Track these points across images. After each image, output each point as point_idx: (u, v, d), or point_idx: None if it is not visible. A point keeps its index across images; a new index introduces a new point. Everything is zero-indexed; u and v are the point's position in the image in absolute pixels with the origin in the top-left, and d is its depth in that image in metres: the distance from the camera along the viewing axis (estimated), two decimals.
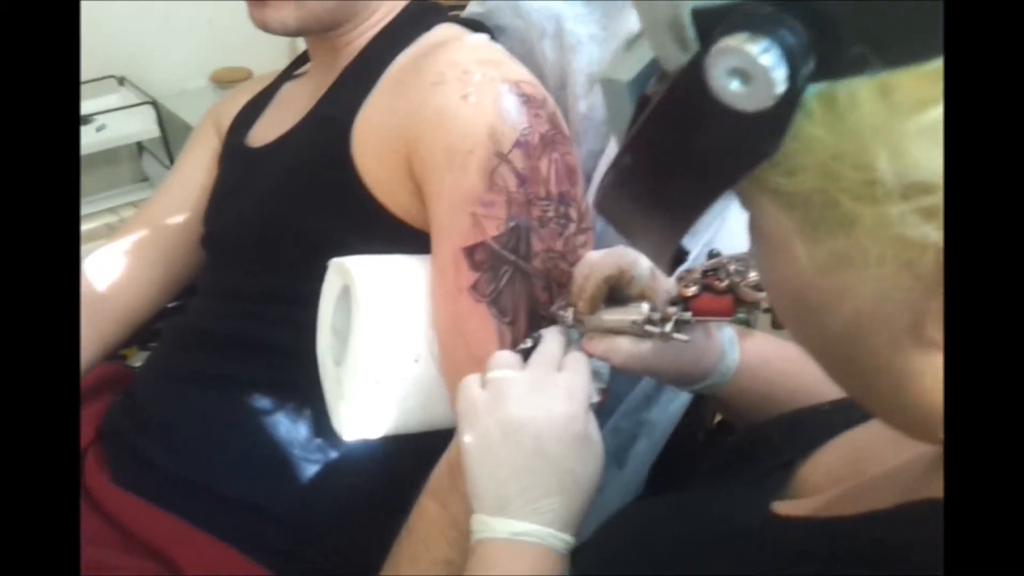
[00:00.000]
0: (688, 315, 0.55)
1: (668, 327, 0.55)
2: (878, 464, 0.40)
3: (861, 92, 0.24)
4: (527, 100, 0.67)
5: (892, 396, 0.30)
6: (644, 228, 0.33)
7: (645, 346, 0.56)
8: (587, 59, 0.81)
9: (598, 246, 0.78)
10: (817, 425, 0.50)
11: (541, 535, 0.49)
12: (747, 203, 0.31)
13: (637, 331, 0.56)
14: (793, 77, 0.24)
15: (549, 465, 0.50)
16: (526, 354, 0.58)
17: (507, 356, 0.57)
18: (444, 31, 0.78)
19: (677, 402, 0.79)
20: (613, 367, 0.59)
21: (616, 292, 0.58)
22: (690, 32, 0.26)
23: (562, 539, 0.50)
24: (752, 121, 0.25)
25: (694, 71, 0.25)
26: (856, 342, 0.30)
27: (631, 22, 0.77)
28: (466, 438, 0.52)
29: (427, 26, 0.78)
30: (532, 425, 0.51)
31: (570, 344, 0.59)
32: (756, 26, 0.24)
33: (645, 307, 0.56)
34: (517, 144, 0.65)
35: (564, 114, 0.81)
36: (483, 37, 0.76)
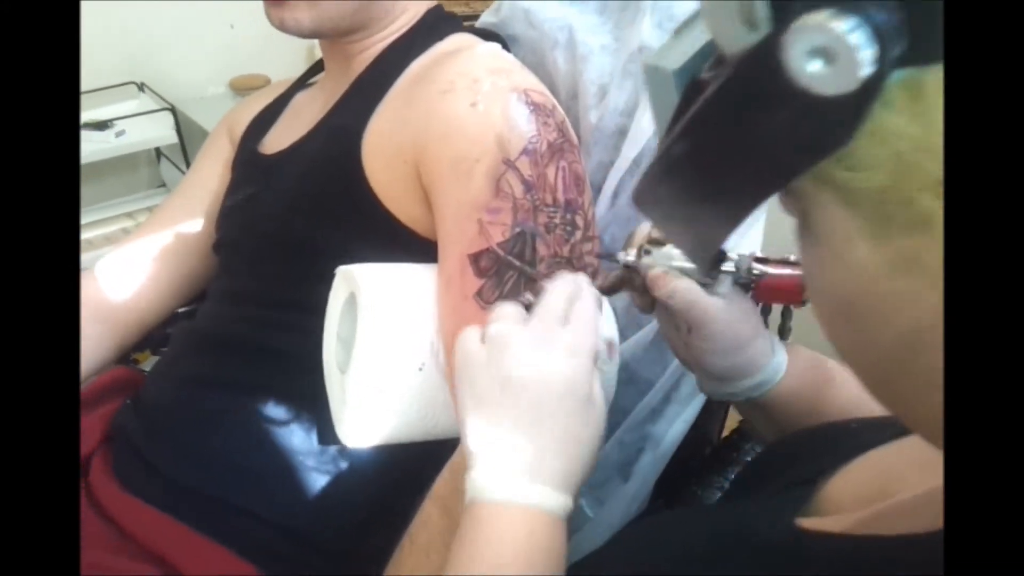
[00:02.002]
0: (759, 269, 0.55)
1: (742, 270, 0.54)
2: (904, 487, 0.39)
3: None
4: (536, 108, 0.67)
5: (940, 414, 0.29)
6: (689, 222, 0.31)
7: (709, 298, 0.55)
8: (598, 70, 0.81)
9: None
10: (843, 442, 0.48)
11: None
12: (800, 201, 0.29)
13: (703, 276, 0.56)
14: (881, 59, 0.22)
15: (548, 427, 0.47)
16: (530, 307, 0.53)
17: (509, 308, 0.52)
18: (457, 40, 0.79)
19: (684, 416, 0.79)
20: (674, 309, 0.56)
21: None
22: (762, 10, 0.24)
23: (559, 501, 0.47)
24: (826, 107, 0.23)
25: (766, 51, 0.24)
26: (910, 354, 0.28)
27: (643, 33, 0.77)
28: (462, 394, 0.50)
29: (440, 35, 0.78)
30: (532, 386, 0.47)
31: (579, 294, 0.54)
32: (843, 1, 0.22)
33: None
34: (524, 152, 0.64)
35: (574, 124, 0.81)
36: (494, 46, 0.76)
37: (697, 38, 0.30)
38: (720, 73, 0.27)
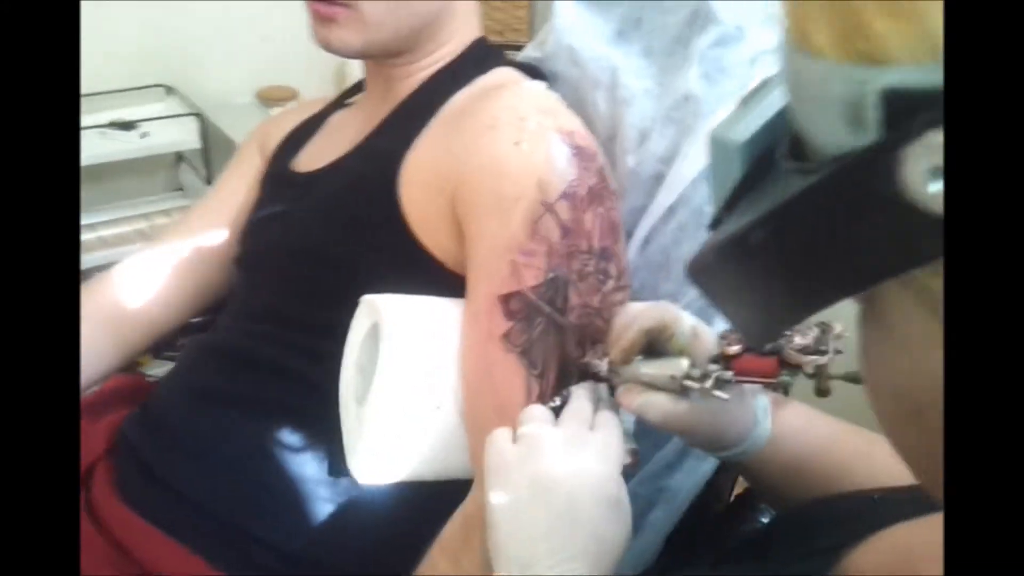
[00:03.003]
0: (729, 374, 0.53)
1: (708, 383, 0.53)
2: (933, 566, 0.38)
3: None
4: (578, 152, 0.66)
5: None
6: (752, 306, 0.30)
7: (682, 405, 0.54)
8: (640, 114, 0.80)
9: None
10: (863, 514, 0.48)
11: None
12: (880, 300, 0.28)
13: (674, 387, 0.54)
14: None
15: (579, 527, 0.48)
16: (555, 412, 0.56)
17: (539, 410, 0.55)
18: (502, 74, 0.78)
19: (700, 471, 0.77)
20: (647, 424, 0.57)
21: (655, 346, 0.57)
22: (873, 114, 0.23)
23: None
24: (934, 222, 0.22)
25: (879, 160, 0.23)
26: None
27: (690, 82, 0.76)
28: (494, 494, 0.50)
29: (485, 68, 0.78)
30: (566, 484, 0.49)
31: (600, 403, 0.58)
32: None
33: (684, 362, 0.54)
34: (564, 195, 0.64)
35: (611, 167, 0.80)
36: (540, 84, 0.76)
37: (765, 110, 0.29)
38: (813, 168, 0.25)
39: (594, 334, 0.63)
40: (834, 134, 0.24)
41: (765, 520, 0.83)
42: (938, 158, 0.21)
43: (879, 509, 0.47)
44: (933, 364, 0.26)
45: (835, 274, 0.26)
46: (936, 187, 0.22)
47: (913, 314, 0.26)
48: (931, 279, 0.25)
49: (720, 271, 0.29)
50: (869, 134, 0.23)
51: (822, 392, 0.52)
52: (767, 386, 0.54)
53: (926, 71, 0.22)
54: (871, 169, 0.23)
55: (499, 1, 1.80)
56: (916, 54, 0.22)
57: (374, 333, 0.65)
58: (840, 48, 0.23)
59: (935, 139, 0.21)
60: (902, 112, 0.22)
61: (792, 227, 0.26)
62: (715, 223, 0.31)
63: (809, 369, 0.51)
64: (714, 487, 0.83)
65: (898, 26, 0.22)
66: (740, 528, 0.78)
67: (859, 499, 0.52)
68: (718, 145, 0.30)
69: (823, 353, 0.51)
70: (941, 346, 0.25)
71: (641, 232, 0.80)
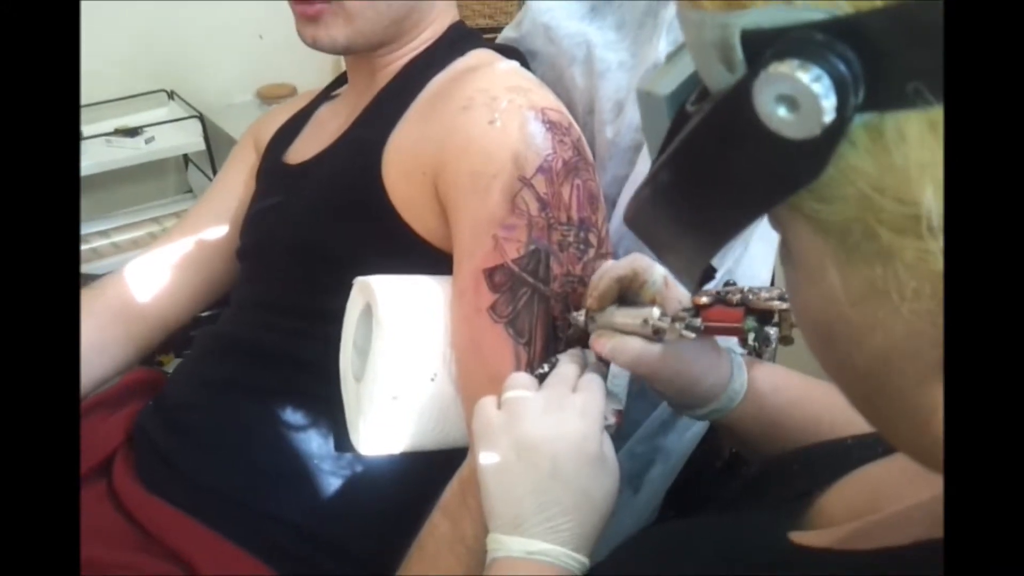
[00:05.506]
0: (699, 321, 0.55)
1: (678, 325, 0.55)
2: (896, 500, 0.40)
3: (909, 126, 0.24)
4: (552, 127, 0.68)
5: (916, 430, 0.30)
6: (675, 244, 0.33)
7: (653, 350, 0.56)
8: (615, 86, 0.82)
9: None
10: (836, 458, 0.50)
11: (556, 554, 0.50)
12: (780, 226, 0.30)
13: (646, 331, 0.56)
14: (842, 107, 0.23)
15: (564, 485, 0.51)
16: (543, 379, 0.59)
17: (522, 377, 0.57)
18: (477, 56, 0.80)
19: (694, 429, 0.79)
20: (618, 365, 0.59)
21: (629, 296, 0.59)
22: (738, 54, 0.26)
23: (577, 559, 0.50)
24: (795, 147, 0.25)
25: (740, 94, 0.25)
26: (883, 375, 0.29)
27: (660, 50, 0.78)
28: (482, 458, 0.53)
29: (461, 51, 0.80)
30: (547, 445, 0.51)
31: (586, 367, 0.60)
32: (807, 53, 0.23)
33: (656, 309, 0.56)
34: (540, 169, 0.66)
35: (590, 139, 0.82)
36: (513, 64, 0.78)
37: (687, 65, 0.32)
38: (702, 108, 0.28)
39: (577, 301, 0.66)
40: (717, 76, 0.27)
41: None
42: (781, 86, 0.24)
43: (851, 453, 0.49)
44: (827, 283, 0.29)
45: (728, 203, 0.28)
46: (782, 112, 0.24)
47: (808, 240, 0.29)
48: (809, 201, 0.27)
49: (646, 216, 0.32)
50: (738, 73, 0.26)
51: (785, 339, 0.54)
52: (734, 332, 0.56)
53: (774, 12, 0.25)
54: (735, 102, 0.26)
55: None
56: None
57: (368, 313, 0.68)
58: None
59: (777, 69, 0.24)
60: (757, 49, 0.25)
61: (687, 163, 0.29)
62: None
63: (775, 316, 0.54)
64: (712, 444, 0.86)
65: None
66: (734, 483, 0.80)
67: (833, 445, 0.54)
68: (645, 98, 0.33)
69: (786, 301, 0.54)
70: (831, 266, 0.28)
71: (624, 200, 0.82)
